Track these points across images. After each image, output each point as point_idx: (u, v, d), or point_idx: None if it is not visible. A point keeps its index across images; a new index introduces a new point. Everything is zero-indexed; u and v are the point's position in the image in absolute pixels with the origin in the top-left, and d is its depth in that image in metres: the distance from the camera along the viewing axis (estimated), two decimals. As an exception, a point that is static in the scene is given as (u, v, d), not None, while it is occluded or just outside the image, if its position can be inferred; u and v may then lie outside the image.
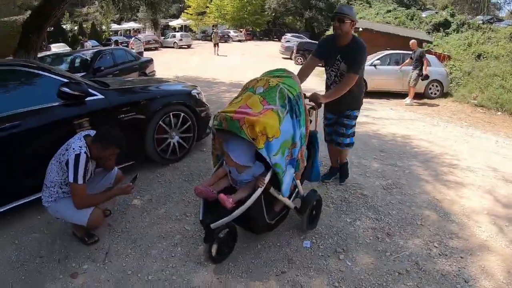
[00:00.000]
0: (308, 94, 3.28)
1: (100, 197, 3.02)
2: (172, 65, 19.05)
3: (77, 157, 2.70)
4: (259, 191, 2.54)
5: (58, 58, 10.02)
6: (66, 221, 3.06)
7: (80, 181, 2.73)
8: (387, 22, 23.25)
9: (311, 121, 3.16)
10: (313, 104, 3.26)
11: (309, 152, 3.25)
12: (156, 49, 32.67)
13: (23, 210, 3.51)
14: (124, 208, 3.73)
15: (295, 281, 2.71)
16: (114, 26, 51.02)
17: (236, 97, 2.83)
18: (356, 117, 3.90)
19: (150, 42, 32.80)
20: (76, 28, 41.28)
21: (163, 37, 40.34)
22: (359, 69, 3.46)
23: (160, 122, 4.45)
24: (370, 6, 30.11)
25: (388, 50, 12.58)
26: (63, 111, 3.65)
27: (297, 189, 3.10)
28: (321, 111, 3.40)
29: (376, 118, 8.12)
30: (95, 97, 3.89)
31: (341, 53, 3.53)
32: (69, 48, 25.12)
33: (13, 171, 3.42)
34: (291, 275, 2.78)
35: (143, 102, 4.32)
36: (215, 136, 2.88)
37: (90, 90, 3.85)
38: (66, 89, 3.55)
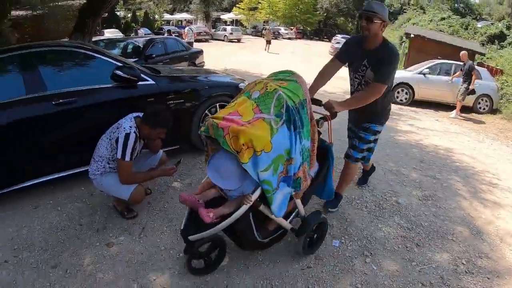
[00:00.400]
0: (325, 101, 2.98)
1: (144, 175, 3.25)
2: (221, 58, 19.39)
3: (127, 136, 2.93)
4: (243, 208, 2.33)
5: (111, 43, 10.62)
6: (108, 194, 3.34)
7: (127, 158, 2.96)
8: (440, 30, 22.52)
9: (320, 133, 2.84)
10: (325, 113, 2.90)
11: (320, 166, 2.91)
12: (206, 41, 33.30)
13: (68, 181, 3.84)
14: (164, 189, 3.98)
15: (319, 278, 2.80)
16: (166, 16, 52.43)
17: (232, 101, 2.58)
18: (376, 132, 3.46)
19: (201, 33, 33.48)
20: (129, 15, 42.79)
21: (214, 30, 41.13)
22: (387, 79, 3.01)
23: (207, 111, 4.64)
24: (424, 12, 29.37)
25: (439, 59, 12.18)
26: (115, 92, 3.95)
27: (297, 209, 2.81)
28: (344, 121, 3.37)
29: (420, 128, 7.99)
30: (146, 82, 4.16)
31: (368, 58, 3.09)
32: (122, 34, 26.09)
33: (65, 143, 3.76)
34: (317, 271, 2.87)
35: (192, 91, 4.53)
36: (207, 143, 2.60)
37: (142, 75, 4.13)
38: (119, 72, 3.84)
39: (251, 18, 51.51)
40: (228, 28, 38.83)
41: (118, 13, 40.81)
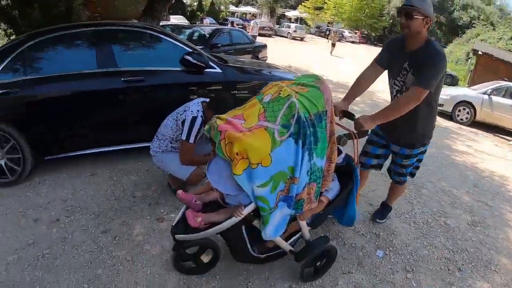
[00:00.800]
0: (358, 115, 2.70)
1: (203, 159, 3.32)
2: (283, 55, 19.40)
3: (194, 119, 3.03)
4: (231, 220, 2.18)
5: (178, 29, 10.94)
6: (166, 172, 3.53)
7: (191, 140, 3.08)
8: (510, 50, 21.15)
9: (340, 151, 2.55)
10: (350, 131, 2.53)
11: (342, 188, 2.67)
12: (270, 36, 33.41)
13: (126, 154, 4.10)
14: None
15: (359, 284, 2.81)
16: (232, 8, 53.24)
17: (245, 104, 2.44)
18: (419, 153, 3.09)
19: (265, 28, 33.63)
20: (195, 3, 43.74)
21: (278, 26, 41.21)
22: (429, 83, 2.52)
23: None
24: (494, 29, 27.69)
25: (505, 81, 11.39)
26: (182, 76, 4.12)
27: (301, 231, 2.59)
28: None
29: (477, 151, 7.60)
30: (213, 70, 4.29)
31: (409, 60, 2.68)
32: (187, 22, 26.76)
33: (128, 118, 4.01)
34: (357, 277, 2.88)
35: (256, 83, 4.54)
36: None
37: (210, 63, 4.25)
38: (189, 58, 4.03)
39: (315, 17, 51.05)
40: (292, 25, 38.75)
41: (184, 0, 41.93)
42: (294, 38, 35.62)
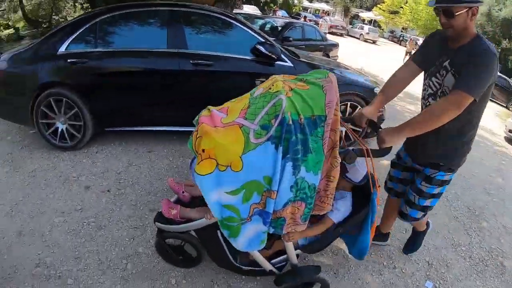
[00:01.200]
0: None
1: None
2: (354, 56, 18.85)
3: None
4: (201, 222, 2.02)
5: (250, 18, 10.94)
6: None
7: None
8: None
9: (343, 167, 2.12)
10: (363, 145, 2.02)
11: (354, 211, 2.25)
12: (341, 35, 32.61)
13: (187, 137, 4.03)
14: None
15: None
16: (305, 3, 52.70)
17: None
18: (443, 183, 2.41)
19: (337, 27, 32.91)
20: (269, -5, 43.85)
21: (351, 26, 40.26)
22: (473, 87, 1.92)
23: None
24: None
25: None
26: (252, 66, 4.03)
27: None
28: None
29: None
30: (284, 63, 4.14)
31: (451, 58, 2.12)
32: (260, 12, 26.81)
33: (193, 101, 3.94)
34: None
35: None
36: None
37: (282, 55, 4.10)
38: (261, 48, 3.94)
39: (390, 21, 49.21)
40: (366, 27, 37.63)
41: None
42: (366, 40, 34.61)
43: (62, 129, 3.94)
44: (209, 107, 2.03)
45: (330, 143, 1.78)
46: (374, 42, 35.27)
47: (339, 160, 1.81)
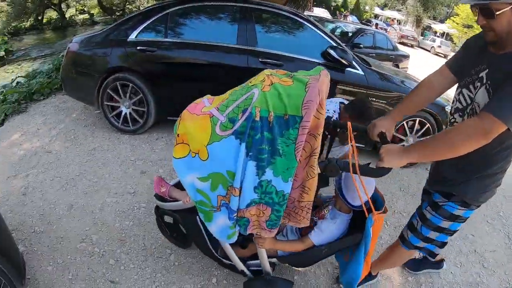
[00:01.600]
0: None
1: None
2: (424, 69, 18.00)
3: (328, 119, 2.74)
4: (178, 204, 2.00)
5: (321, 21, 10.72)
6: None
7: None
8: None
9: (327, 184, 1.74)
10: (353, 160, 1.64)
11: (348, 233, 2.04)
12: (412, 46, 31.42)
13: None
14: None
15: None
16: (377, 10, 51.44)
17: None
18: (453, 217, 1.91)
19: (408, 37, 31.76)
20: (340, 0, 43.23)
21: (422, 37, 38.66)
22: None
23: (404, 122, 4.21)
24: None
25: None
26: None
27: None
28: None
29: None
30: (355, 70, 3.95)
31: (490, 67, 1.65)
32: (330, 16, 26.45)
33: None
34: None
35: (397, 96, 4.07)
36: None
37: (354, 62, 3.92)
38: (333, 52, 3.78)
39: (463, 35, 46.73)
40: (438, 39, 35.93)
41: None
42: (437, 54, 33.03)
43: (125, 113, 4.05)
44: (207, 95, 1.93)
45: (308, 149, 1.55)
46: (445, 56, 33.55)
47: (316, 170, 1.57)
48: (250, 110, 1.56)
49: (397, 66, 10.34)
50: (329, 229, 1.99)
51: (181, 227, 2.42)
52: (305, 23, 4.05)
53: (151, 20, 3.88)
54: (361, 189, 1.74)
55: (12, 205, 3.00)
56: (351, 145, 1.78)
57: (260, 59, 3.75)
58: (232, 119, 1.62)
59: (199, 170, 1.66)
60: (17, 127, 4.49)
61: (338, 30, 9.86)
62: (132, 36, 3.84)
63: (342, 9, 36.10)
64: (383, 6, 54.64)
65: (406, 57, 11.17)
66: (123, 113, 4.05)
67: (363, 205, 1.80)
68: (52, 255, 2.50)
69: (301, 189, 1.62)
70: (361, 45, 8.77)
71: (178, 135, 1.70)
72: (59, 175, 3.37)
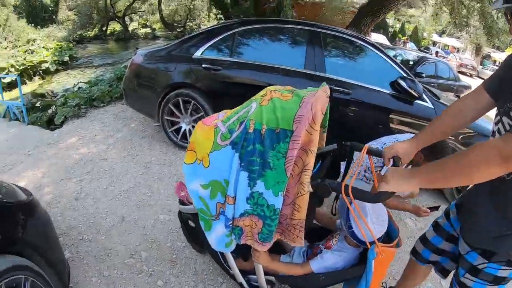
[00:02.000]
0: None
1: (396, 203, 2.81)
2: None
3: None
4: (188, 207, 2.16)
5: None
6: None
7: None
8: None
9: (320, 203, 1.84)
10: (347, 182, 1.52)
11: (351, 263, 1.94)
12: (470, 76, 30.16)
13: None
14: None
15: None
16: (435, 37, 50.10)
17: None
18: (498, 279, 1.51)
19: (467, 66, 30.55)
20: (397, 25, 42.51)
21: (481, 67, 37.05)
22: None
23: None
24: None
25: None
26: (389, 101, 3.67)
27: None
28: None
29: None
30: (424, 103, 3.72)
31: None
32: (388, 42, 25.92)
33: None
34: None
35: (467, 133, 3.78)
36: None
37: (423, 94, 3.71)
38: (403, 83, 3.58)
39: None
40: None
41: (387, 20, 40.98)
42: (497, 84, 31.59)
43: (185, 129, 4.05)
44: (225, 110, 1.97)
45: (301, 165, 1.50)
46: (506, 88, 32.04)
47: (307, 188, 1.50)
48: (245, 122, 1.62)
49: (458, 97, 9.88)
50: (332, 260, 1.91)
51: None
52: (375, 50, 3.88)
53: (217, 39, 3.87)
54: (358, 216, 1.66)
55: (63, 208, 3.02)
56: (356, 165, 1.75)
57: (329, 86, 3.60)
58: (231, 130, 1.69)
59: (202, 177, 1.73)
60: (75, 130, 4.61)
61: (399, 58, 9.51)
62: (197, 54, 3.85)
63: (400, 35, 35.41)
64: (441, 33, 53.19)
65: (467, 87, 10.65)
66: (182, 129, 4.05)
67: (363, 234, 1.68)
68: (98, 266, 2.46)
69: (292, 206, 1.58)
70: (423, 75, 8.41)
71: (189, 142, 1.80)
72: (113, 185, 3.38)
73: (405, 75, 3.73)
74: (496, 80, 1.55)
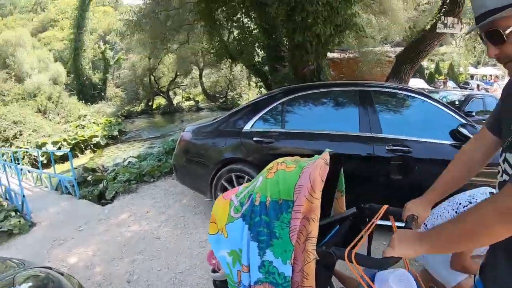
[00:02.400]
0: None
1: (474, 265, 2.43)
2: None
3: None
4: (219, 275, 2.07)
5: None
6: (432, 273, 2.65)
7: None
8: None
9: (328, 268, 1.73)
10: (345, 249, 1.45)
11: None
12: (510, 104, 28.95)
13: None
14: None
15: None
16: (471, 69, 49.05)
17: None
18: None
19: (509, 93, 29.35)
20: (432, 66, 42.09)
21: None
22: None
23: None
24: None
25: None
26: (452, 152, 3.33)
27: None
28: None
29: None
30: None
31: None
32: (426, 85, 25.37)
33: (381, 191, 3.49)
34: None
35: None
36: None
37: (483, 139, 3.33)
38: (464, 130, 3.30)
39: None
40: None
41: (422, 63, 40.78)
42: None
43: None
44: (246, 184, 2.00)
45: (305, 233, 1.53)
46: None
47: (312, 255, 1.51)
48: (252, 195, 1.68)
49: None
50: None
51: None
52: (430, 101, 3.64)
53: (265, 110, 3.78)
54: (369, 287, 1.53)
55: (114, 291, 2.88)
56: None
57: (387, 147, 3.34)
58: (242, 203, 1.75)
59: (225, 245, 1.77)
60: (126, 206, 4.57)
61: (444, 100, 9.12)
62: (247, 127, 3.76)
63: (437, 76, 34.86)
64: (476, 64, 52.01)
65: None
66: (236, 205, 3.88)
67: None
68: None
69: (301, 274, 1.58)
70: (473, 113, 7.96)
71: (212, 215, 1.86)
72: (167, 266, 3.21)
73: (464, 121, 3.43)
74: (496, 116, 1.43)
